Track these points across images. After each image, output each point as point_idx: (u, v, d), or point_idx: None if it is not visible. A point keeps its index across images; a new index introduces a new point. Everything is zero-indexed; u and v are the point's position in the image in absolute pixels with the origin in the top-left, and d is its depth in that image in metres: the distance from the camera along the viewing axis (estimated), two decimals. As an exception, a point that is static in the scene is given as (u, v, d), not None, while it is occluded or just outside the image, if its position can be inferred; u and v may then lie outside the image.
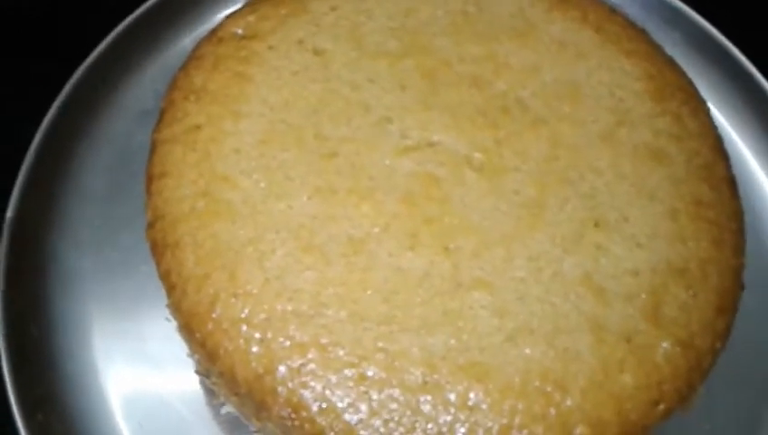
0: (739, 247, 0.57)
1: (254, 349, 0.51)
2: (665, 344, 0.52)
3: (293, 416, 0.50)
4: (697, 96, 0.63)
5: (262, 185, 0.55)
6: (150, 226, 0.56)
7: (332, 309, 0.51)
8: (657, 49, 0.65)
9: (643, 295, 0.53)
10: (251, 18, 0.62)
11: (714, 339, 0.54)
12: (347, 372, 0.50)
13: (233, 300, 0.52)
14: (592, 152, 0.58)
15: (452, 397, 0.49)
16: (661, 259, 0.54)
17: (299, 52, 0.60)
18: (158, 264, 0.55)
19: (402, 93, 0.59)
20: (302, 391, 0.50)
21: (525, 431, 0.49)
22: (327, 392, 0.50)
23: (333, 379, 0.50)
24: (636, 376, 0.51)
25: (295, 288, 0.52)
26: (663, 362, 0.51)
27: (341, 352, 0.50)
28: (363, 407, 0.49)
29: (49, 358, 0.64)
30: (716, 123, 0.62)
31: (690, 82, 0.64)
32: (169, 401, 0.64)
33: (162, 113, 0.59)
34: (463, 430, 0.49)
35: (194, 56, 0.62)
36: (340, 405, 0.49)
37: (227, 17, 0.63)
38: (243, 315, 0.51)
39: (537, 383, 0.50)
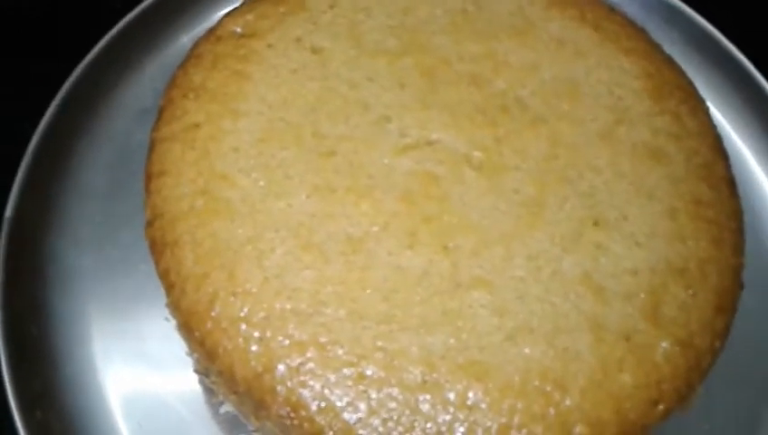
0: (738, 247, 0.57)
1: (253, 348, 0.51)
2: (664, 344, 0.52)
3: (292, 415, 0.50)
4: (696, 95, 0.63)
5: (261, 183, 0.55)
6: (149, 224, 0.56)
7: (331, 308, 0.51)
8: (655, 48, 0.65)
9: (642, 295, 0.53)
10: (249, 16, 0.62)
11: (713, 338, 0.54)
12: (346, 370, 0.50)
13: (232, 299, 0.52)
14: (591, 151, 0.58)
15: (451, 396, 0.49)
16: (660, 258, 0.54)
17: (297, 50, 0.60)
18: (156, 262, 0.55)
19: (401, 92, 0.59)
20: (301, 389, 0.50)
21: (524, 431, 0.49)
22: (326, 391, 0.49)
23: (332, 378, 0.50)
24: (635, 375, 0.51)
25: (294, 287, 0.52)
26: (662, 361, 0.51)
27: (340, 351, 0.50)
28: (362, 406, 0.49)
29: (48, 356, 0.64)
30: (715, 122, 0.62)
31: (689, 81, 0.64)
32: (168, 399, 0.64)
33: (161, 112, 0.59)
34: (462, 429, 0.49)
35: (193, 54, 0.62)
36: (339, 404, 0.49)
37: (226, 16, 0.63)
38: (242, 314, 0.51)
39: (536, 383, 0.50)
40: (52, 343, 0.65)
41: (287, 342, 0.50)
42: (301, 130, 0.57)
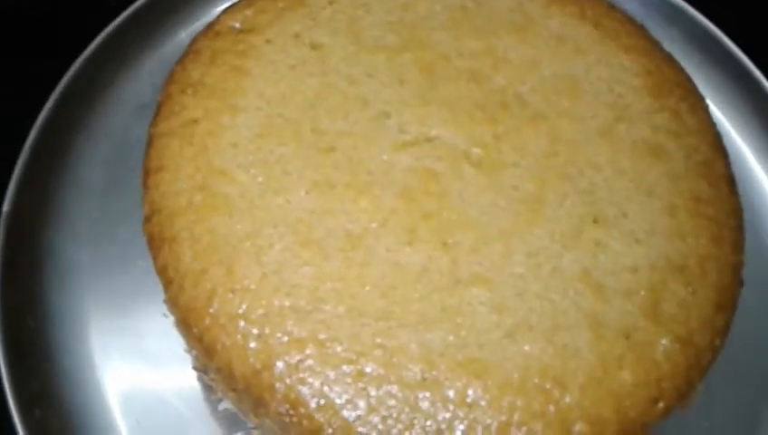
0: (738, 244, 0.57)
1: (252, 344, 0.51)
2: (664, 341, 0.52)
3: (291, 412, 0.49)
4: (696, 92, 0.63)
5: (259, 179, 0.55)
6: (147, 220, 0.55)
7: (330, 304, 0.51)
8: (655, 45, 0.65)
9: (642, 292, 0.53)
10: (248, 12, 0.62)
11: (713, 336, 0.53)
12: (345, 368, 0.50)
13: (230, 295, 0.52)
14: (591, 148, 0.57)
15: (451, 393, 0.49)
16: (660, 256, 0.54)
17: (296, 45, 0.60)
18: (155, 258, 0.55)
19: (400, 88, 0.59)
20: (300, 387, 0.50)
21: (524, 428, 0.49)
22: (325, 389, 0.49)
23: (331, 375, 0.50)
24: (635, 373, 0.51)
25: (293, 283, 0.52)
26: (662, 359, 0.51)
27: (339, 348, 0.50)
28: (361, 403, 0.49)
29: (46, 353, 0.64)
30: (715, 120, 0.62)
31: (689, 79, 0.63)
32: (167, 396, 0.64)
33: (159, 107, 0.59)
34: (462, 426, 0.49)
35: (191, 50, 0.61)
36: (338, 401, 0.49)
37: (224, 11, 0.63)
38: (240, 311, 0.51)
39: (536, 380, 0.50)
40: (50, 338, 0.65)
41: (286, 338, 0.50)
42: (300, 125, 0.57)
